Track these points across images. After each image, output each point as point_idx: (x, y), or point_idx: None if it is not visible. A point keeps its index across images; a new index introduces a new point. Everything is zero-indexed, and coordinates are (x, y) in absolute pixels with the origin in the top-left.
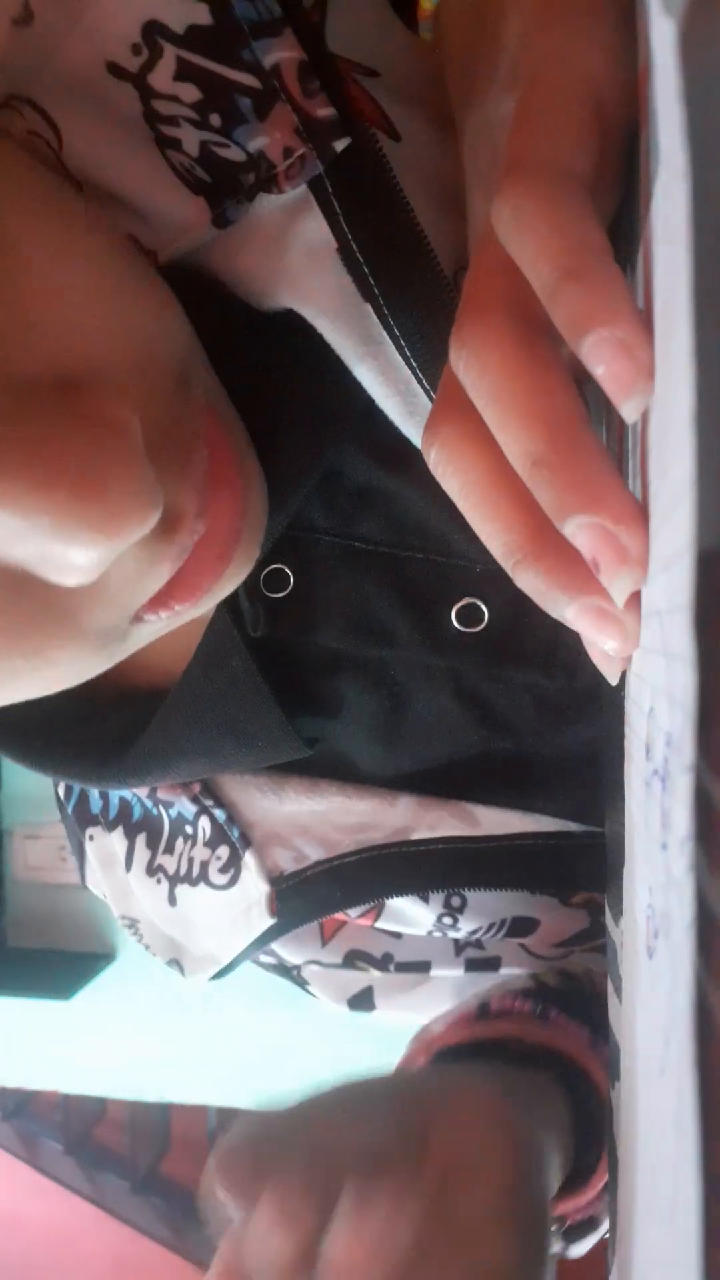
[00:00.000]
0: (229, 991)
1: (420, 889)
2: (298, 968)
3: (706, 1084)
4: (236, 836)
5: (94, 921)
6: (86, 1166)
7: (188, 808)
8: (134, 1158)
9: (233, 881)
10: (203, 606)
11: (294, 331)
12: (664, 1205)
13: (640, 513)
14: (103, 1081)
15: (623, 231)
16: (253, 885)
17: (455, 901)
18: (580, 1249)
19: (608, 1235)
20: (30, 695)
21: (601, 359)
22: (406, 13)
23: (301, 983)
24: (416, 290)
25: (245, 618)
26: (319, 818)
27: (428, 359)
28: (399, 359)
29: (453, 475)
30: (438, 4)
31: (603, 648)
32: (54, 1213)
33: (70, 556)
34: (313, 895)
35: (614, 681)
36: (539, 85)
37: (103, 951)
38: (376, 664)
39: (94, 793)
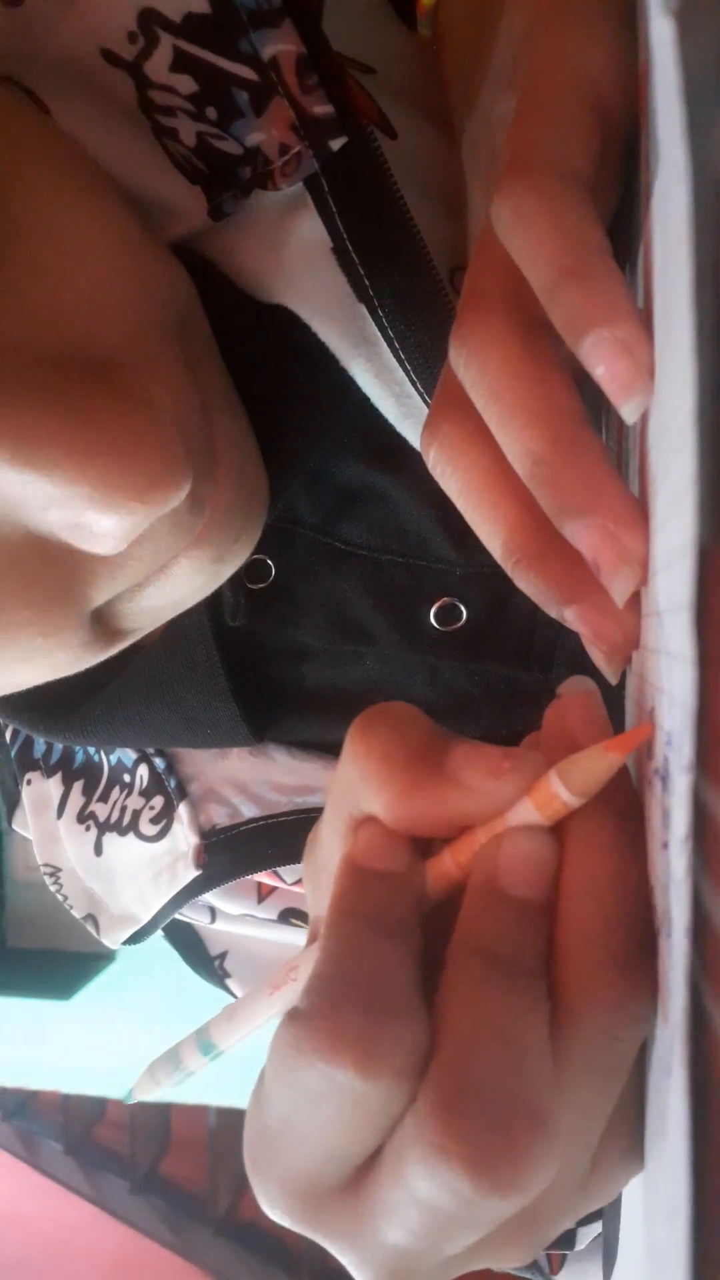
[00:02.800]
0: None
1: None
2: (220, 958)
3: (699, 1084)
4: (173, 787)
5: None
6: (86, 1166)
7: (128, 755)
8: (134, 1158)
9: (163, 833)
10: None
11: (291, 325)
12: (665, 1204)
13: (641, 513)
14: (103, 1081)
15: (623, 231)
16: (182, 837)
17: None
18: (582, 1242)
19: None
20: (40, 680)
21: (601, 359)
22: (404, 9)
23: (222, 976)
24: (411, 292)
25: (225, 606)
26: (260, 776)
27: (422, 361)
28: (393, 360)
29: (452, 475)
30: (437, 0)
31: (602, 648)
32: (54, 1213)
33: (105, 524)
34: (243, 850)
35: (614, 681)
36: (540, 83)
37: (103, 951)
38: (351, 655)
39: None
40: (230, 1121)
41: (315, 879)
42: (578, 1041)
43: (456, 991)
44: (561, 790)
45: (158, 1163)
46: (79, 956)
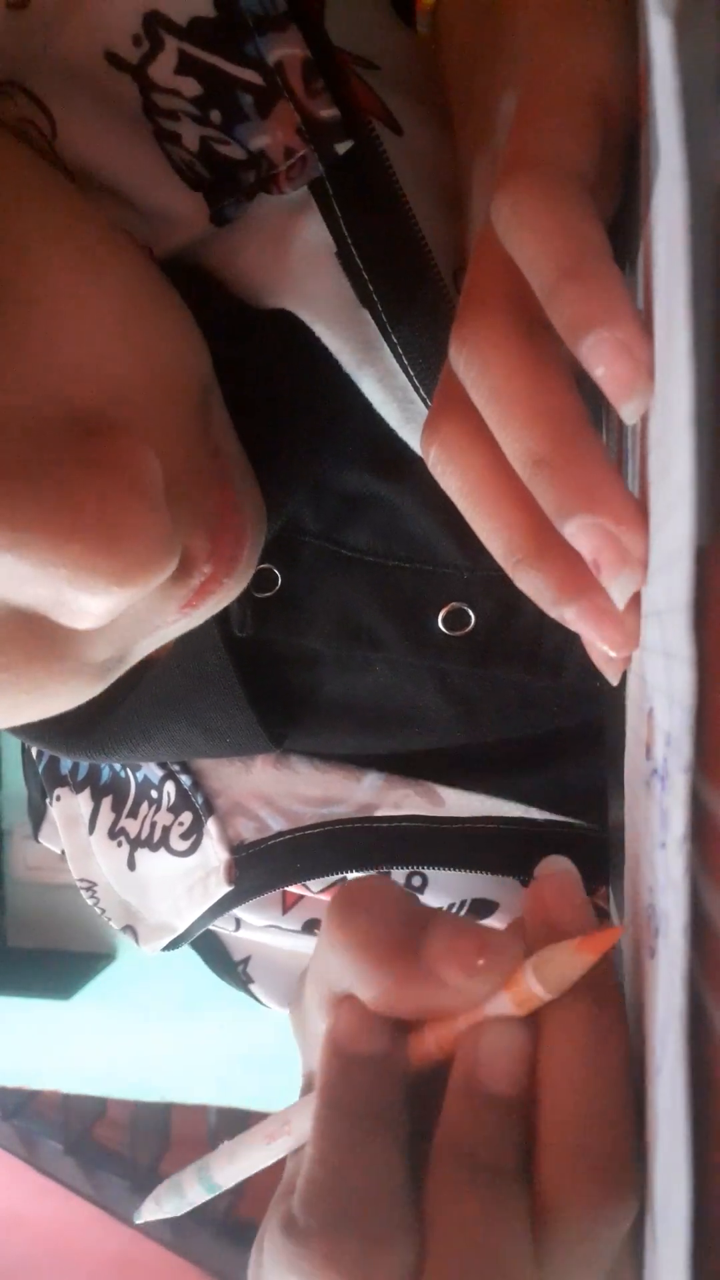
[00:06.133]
0: (229, 991)
1: (380, 865)
2: (244, 964)
3: (698, 1085)
4: (200, 803)
5: (94, 921)
6: (86, 1166)
7: (154, 772)
8: (134, 1158)
9: (193, 848)
10: (196, 622)
11: (292, 330)
12: (660, 1203)
13: (641, 514)
14: (103, 1081)
15: (623, 231)
16: (213, 852)
17: (416, 881)
18: None
19: None
20: (30, 720)
21: (601, 360)
22: (403, 7)
23: (245, 981)
24: (415, 297)
25: (231, 617)
26: (284, 788)
27: (425, 366)
28: (396, 365)
29: (452, 475)
30: None
31: (602, 648)
32: (54, 1213)
33: (84, 604)
34: (272, 865)
35: (614, 682)
36: (542, 82)
37: (103, 951)
38: (360, 661)
39: None
40: (230, 1121)
41: (301, 1032)
42: (557, 1240)
43: (443, 1203)
44: (536, 986)
45: (158, 1163)
46: (79, 956)
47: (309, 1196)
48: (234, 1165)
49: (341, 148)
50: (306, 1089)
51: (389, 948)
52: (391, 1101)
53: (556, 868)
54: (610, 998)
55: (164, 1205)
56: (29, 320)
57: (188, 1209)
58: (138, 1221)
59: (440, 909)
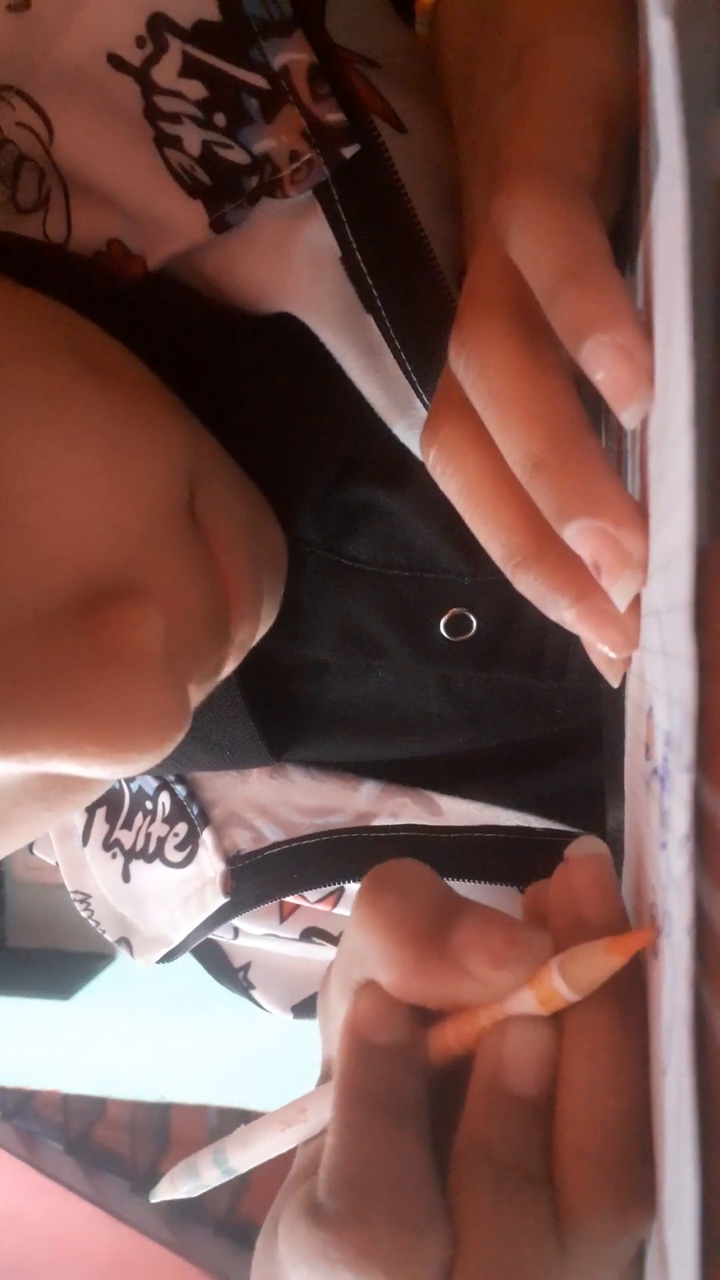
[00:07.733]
0: (229, 992)
1: None
2: (244, 970)
3: (704, 1084)
4: (196, 814)
5: None
6: (86, 1166)
7: (149, 782)
8: (134, 1158)
9: (189, 859)
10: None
11: (295, 336)
12: (667, 1204)
13: (641, 516)
14: (103, 1081)
15: (623, 232)
16: (208, 864)
17: None
18: None
19: None
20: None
21: (601, 364)
22: (402, 7)
23: (246, 987)
24: (419, 303)
25: None
26: (281, 798)
27: (427, 373)
28: (398, 371)
29: (452, 477)
30: None
31: (602, 650)
32: (54, 1213)
33: (101, 774)
34: (269, 875)
35: (615, 683)
36: (544, 83)
37: (103, 951)
38: (363, 669)
39: None
40: (230, 1122)
41: (324, 1018)
42: (579, 1242)
43: (470, 1200)
44: (561, 986)
45: (158, 1163)
46: (79, 956)
47: (335, 1182)
48: (249, 1151)
49: (348, 152)
50: (325, 1077)
51: (415, 930)
52: (412, 1092)
53: (589, 850)
54: (636, 1001)
55: (179, 1187)
56: (25, 515)
57: (202, 1191)
58: (153, 1201)
59: (473, 899)
